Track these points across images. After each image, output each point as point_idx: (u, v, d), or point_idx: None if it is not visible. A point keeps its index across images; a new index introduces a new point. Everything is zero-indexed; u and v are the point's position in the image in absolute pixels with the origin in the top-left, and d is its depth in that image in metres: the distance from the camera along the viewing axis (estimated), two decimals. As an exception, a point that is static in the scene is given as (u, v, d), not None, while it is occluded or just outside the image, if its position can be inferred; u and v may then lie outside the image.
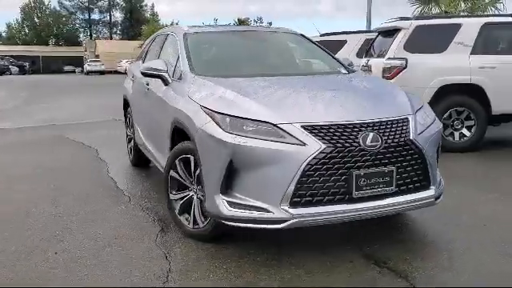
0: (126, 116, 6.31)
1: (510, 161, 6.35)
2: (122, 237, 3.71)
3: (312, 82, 3.89)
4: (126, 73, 9.01)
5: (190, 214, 3.65)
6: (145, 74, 4.24)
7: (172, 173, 3.73)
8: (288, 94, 3.48)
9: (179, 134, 3.76)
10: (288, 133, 2.96)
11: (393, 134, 3.12)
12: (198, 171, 3.46)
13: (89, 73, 51.03)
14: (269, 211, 2.95)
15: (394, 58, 6.57)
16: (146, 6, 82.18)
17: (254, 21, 59.79)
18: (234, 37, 4.89)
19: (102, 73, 50.54)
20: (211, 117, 3.20)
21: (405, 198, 3.16)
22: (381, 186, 3.06)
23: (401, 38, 6.65)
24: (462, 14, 13.59)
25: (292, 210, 2.92)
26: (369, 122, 3.10)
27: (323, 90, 3.59)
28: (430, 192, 3.27)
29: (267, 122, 3.02)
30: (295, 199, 2.93)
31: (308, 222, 2.97)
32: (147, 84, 4.81)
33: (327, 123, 3.02)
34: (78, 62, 65.11)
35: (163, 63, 4.14)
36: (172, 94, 3.97)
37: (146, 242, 3.60)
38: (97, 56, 60.69)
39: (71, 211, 4.33)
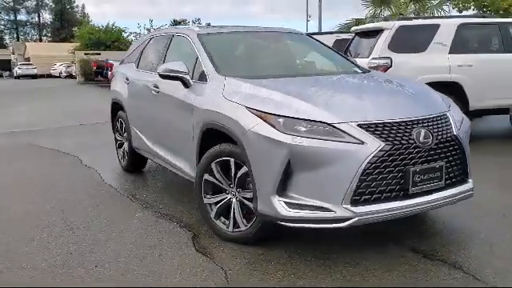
0: (115, 121, 6.07)
1: (491, 153, 6.71)
2: (156, 245, 3.56)
3: (345, 82, 3.93)
4: (61, 76, 8.68)
5: (227, 218, 3.59)
6: (163, 76, 4.11)
7: (207, 176, 3.65)
8: (332, 94, 3.51)
9: (211, 136, 3.69)
10: (345, 132, 2.98)
11: (440, 130, 3.23)
12: (239, 173, 3.42)
13: (19, 77, 48.08)
14: (331, 210, 2.96)
15: (380, 58, 6.78)
16: (76, 7, 79.41)
17: (193, 22, 59.23)
18: (247, 37, 4.83)
19: (34, 77, 47.84)
20: (262, 118, 3.15)
21: (450, 191, 3.27)
22: (433, 181, 3.15)
23: (385, 38, 6.88)
24: (411, 15, 14.22)
25: (354, 209, 2.94)
26: (419, 119, 3.18)
27: (361, 90, 3.65)
28: (470, 185, 3.41)
29: (323, 122, 3.03)
30: (355, 197, 2.96)
31: (368, 219, 3.00)
32: (155, 86, 4.66)
33: (383, 121, 3.07)
34: (4, 65, 61.27)
35: (184, 65, 4.03)
36: (198, 96, 3.87)
37: (184, 249, 3.49)
38: (27, 59, 57.57)
39: (88, 222, 4.11)
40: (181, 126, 4.15)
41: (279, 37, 5.03)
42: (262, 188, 3.13)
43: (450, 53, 6.92)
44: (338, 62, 4.66)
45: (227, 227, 3.57)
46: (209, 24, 56.84)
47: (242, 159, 3.37)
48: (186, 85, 4.06)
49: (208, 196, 3.69)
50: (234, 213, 3.52)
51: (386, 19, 10.23)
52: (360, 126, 3.02)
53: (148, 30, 46.32)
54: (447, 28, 7.01)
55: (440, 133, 3.21)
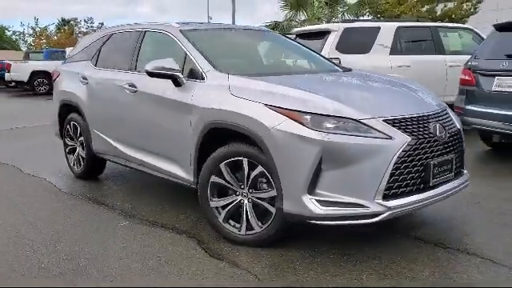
0: (65, 124, 5.57)
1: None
2: (164, 256, 3.32)
3: (347, 80, 3.95)
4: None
5: (237, 221, 3.47)
6: (152, 74, 3.85)
7: (214, 178, 3.49)
8: (346, 91, 3.53)
9: (214, 136, 3.54)
10: (373, 128, 3.02)
11: (448, 124, 3.41)
12: (253, 173, 3.32)
13: None
14: (364, 206, 2.97)
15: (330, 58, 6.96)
16: None
17: (85, 21, 56.33)
18: (230, 34, 4.70)
19: None
20: (287, 115, 3.09)
21: (456, 182, 3.46)
22: (446, 173, 3.31)
23: (332, 40, 7.09)
24: (323, 19, 14.86)
25: (386, 203, 2.99)
26: (432, 114, 3.33)
27: (368, 87, 3.71)
28: (466, 176, 3.64)
29: (351, 118, 3.04)
30: (385, 192, 3.01)
31: (397, 213, 3.07)
32: (131, 85, 4.36)
33: (405, 116, 3.16)
34: None
35: (175, 62, 3.82)
36: (197, 95, 3.68)
37: (198, 257, 3.30)
38: None
39: (71, 239, 3.72)
40: (171, 127, 3.92)
41: (259, 35, 4.96)
42: (290, 187, 3.07)
43: (390, 54, 7.33)
44: (319, 60, 4.70)
45: (239, 230, 3.45)
46: (102, 24, 54.62)
47: (257, 159, 3.28)
48: (177, 83, 3.84)
49: (215, 199, 3.53)
50: (246, 215, 3.40)
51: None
52: (386, 121, 3.08)
53: (33, 28, 43.17)
54: (387, 30, 7.42)
55: (449, 127, 3.39)
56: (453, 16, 21.75)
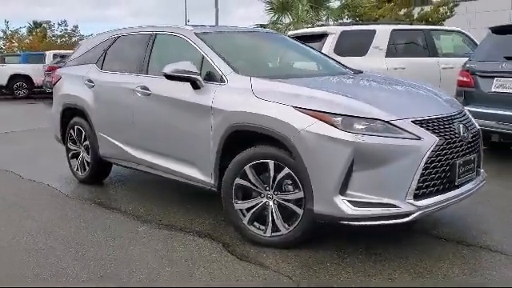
0: (68, 128, 5.48)
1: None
2: (192, 260, 3.28)
3: (367, 82, 3.98)
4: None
5: (261, 223, 3.47)
6: (171, 77, 3.83)
7: (239, 180, 3.49)
8: (371, 93, 3.58)
9: (236, 139, 3.54)
10: (403, 129, 3.07)
11: (469, 124, 3.49)
12: (280, 175, 3.33)
13: None
14: (396, 206, 3.02)
15: (328, 61, 7.02)
16: None
17: (58, 24, 55.40)
18: (243, 37, 4.70)
19: None
20: (317, 117, 3.11)
21: (477, 181, 3.54)
22: (469, 172, 3.39)
23: (331, 42, 7.16)
24: (309, 23, 14.98)
25: (417, 203, 3.04)
26: (455, 115, 3.41)
27: (390, 88, 3.75)
28: (484, 175, 3.72)
29: (380, 120, 3.08)
30: (415, 192, 3.06)
31: (426, 212, 3.12)
32: (144, 88, 4.32)
33: (432, 117, 3.22)
34: None
35: (193, 65, 3.81)
36: (218, 98, 3.67)
37: (225, 261, 3.27)
38: None
39: (92, 246, 3.66)
40: (189, 129, 3.90)
41: (269, 37, 4.98)
42: (321, 188, 3.09)
43: (386, 56, 7.44)
44: (331, 63, 4.73)
45: (264, 232, 3.45)
46: (76, 26, 53.80)
47: (283, 161, 3.29)
48: (196, 86, 3.82)
49: (239, 201, 3.53)
50: (272, 217, 3.41)
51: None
52: (414, 122, 3.13)
53: (4, 31, 42.22)
54: (382, 33, 7.53)
55: (470, 127, 3.47)
56: (429, 19, 22.19)
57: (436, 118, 3.24)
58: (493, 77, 5.80)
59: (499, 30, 6.19)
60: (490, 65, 5.88)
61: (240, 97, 3.56)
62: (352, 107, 3.14)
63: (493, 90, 5.79)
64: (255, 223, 3.50)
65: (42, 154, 7.16)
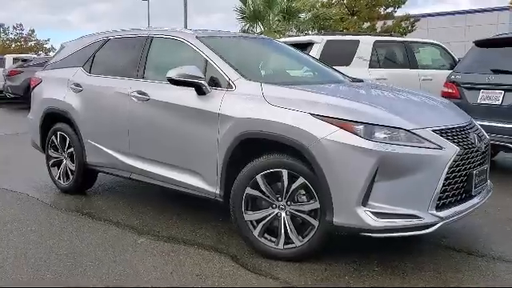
0: (49, 135, 5.17)
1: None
2: (202, 274, 3.11)
3: (379, 90, 3.90)
4: None
5: (273, 235, 3.33)
6: (177, 82, 3.66)
7: (249, 190, 3.35)
8: (387, 101, 3.51)
9: (246, 147, 3.41)
10: (424, 138, 3.02)
11: (481, 134, 3.49)
12: (294, 185, 3.21)
13: None
14: (419, 217, 2.95)
15: (314, 70, 6.99)
16: None
17: (14, 27, 53.50)
18: (243, 42, 4.57)
19: None
20: (338, 125, 3.01)
21: (487, 190, 3.54)
22: (483, 182, 3.38)
23: (316, 52, 7.14)
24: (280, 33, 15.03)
25: (439, 213, 2.99)
26: (468, 125, 3.40)
27: (402, 98, 3.70)
28: (491, 185, 3.73)
29: (402, 129, 3.02)
30: (437, 202, 3.01)
31: (447, 222, 3.07)
32: (141, 93, 4.12)
33: (450, 126, 3.19)
34: None
35: (199, 70, 3.65)
36: (226, 104, 3.53)
37: (239, 274, 3.12)
38: None
39: (99, 261, 3.42)
40: (193, 137, 3.73)
41: (269, 43, 4.86)
42: (343, 199, 2.99)
43: (369, 67, 7.48)
44: (329, 70, 4.65)
45: (276, 244, 3.31)
46: (33, 31, 52.06)
47: (298, 170, 3.18)
48: (201, 91, 3.66)
49: (250, 212, 3.38)
50: (285, 228, 3.28)
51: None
52: (434, 131, 3.09)
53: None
54: (365, 44, 7.58)
55: (482, 137, 3.47)
56: (392, 33, 22.70)
57: (453, 128, 3.21)
58: (479, 89, 5.90)
59: (482, 44, 6.33)
60: (476, 77, 5.99)
61: (250, 103, 3.43)
62: (374, 115, 3.06)
63: (479, 101, 5.89)
64: (266, 235, 3.36)
65: (14, 162, 6.77)
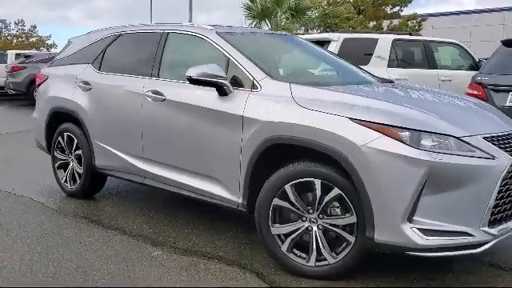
0: (55, 135, 4.88)
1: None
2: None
3: (419, 93, 3.54)
4: None
5: (302, 250, 3.04)
6: (197, 82, 3.36)
7: (277, 201, 3.05)
8: (430, 105, 3.21)
9: (272, 153, 3.11)
10: (475, 146, 2.72)
11: None
12: (328, 197, 2.91)
13: None
14: (470, 235, 2.66)
15: (331, 69, 6.69)
16: None
17: (15, 23, 53.20)
18: (265, 39, 4.26)
19: None
20: (381, 131, 2.71)
21: None
22: (533, 194, 3.07)
23: (333, 49, 6.83)
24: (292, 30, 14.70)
25: (491, 230, 2.70)
26: None
27: (446, 102, 3.38)
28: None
29: (451, 136, 2.72)
30: (489, 217, 2.71)
31: (500, 240, 2.78)
32: (156, 93, 3.82)
33: (500, 134, 2.89)
34: None
35: (221, 68, 3.35)
36: (251, 106, 3.23)
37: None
38: None
39: (114, 275, 3.11)
40: (213, 141, 3.43)
41: (291, 40, 4.54)
42: (386, 214, 2.69)
43: (388, 66, 7.17)
44: (360, 71, 4.32)
45: (307, 261, 3.01)
46: (34, 27, 51.78)
47: (333, 180, 2.88)
48: (223, 92, 3.37)
49: (277, 225, 3.08)
50: (317, 243, 2.98)
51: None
52: (485, 138, 2.78)
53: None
54: (384, 42, 7.27)
55: None
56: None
57: (504, 135, 2.90)
58: (508, 91, 5.60)
59: (510, 43, 6.03)
60: (505, 78, 5.69)
61: (279, 106, 3.13)
62: (420, 120, 2.76)
63: (508, 103, 5.59)
64: (295, 250, 3.06)
65: (16, 162, 6.48)
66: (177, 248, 3.51)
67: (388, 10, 28.19)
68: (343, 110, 2.87)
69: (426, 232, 2.64)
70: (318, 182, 2.93)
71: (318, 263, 2.99)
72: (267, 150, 3.13)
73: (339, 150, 2.79)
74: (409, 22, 27.23)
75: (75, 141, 4.65)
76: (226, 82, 3.34)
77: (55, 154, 4.92)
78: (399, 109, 2.87)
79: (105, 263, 3.23)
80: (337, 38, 7.00)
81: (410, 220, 2.65)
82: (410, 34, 8.26)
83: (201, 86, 3.43)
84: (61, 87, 4.81)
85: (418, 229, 2.64)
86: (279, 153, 3.14)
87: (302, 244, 3.05)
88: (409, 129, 2.70)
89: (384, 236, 2.70)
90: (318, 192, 2.94)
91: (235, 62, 3.47)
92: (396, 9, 28.01)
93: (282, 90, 3.19)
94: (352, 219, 2.86)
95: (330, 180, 2.89)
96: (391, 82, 4.17)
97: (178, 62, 4.01)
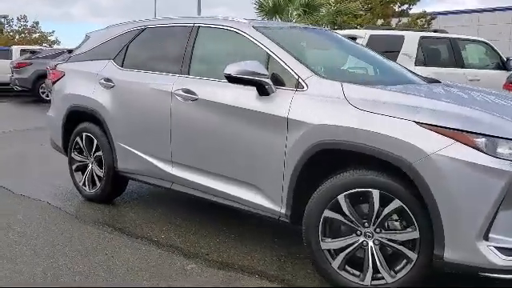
0: (73, 136, 4.59)
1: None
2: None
3: (482, 94, 3.24)
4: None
5: (354, 267, 2.75)
6: (237, 80, 3.07)
7: (328, 213, 2.76)
8: (499, 107, 2.91)
9: (321, 160, 2.83)
10: None
11: None
12: (387, 209, 2.62)
13: None
14: (551, 254, 2.36)
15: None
16: None
17: (18, 19, 52.89)
18: (304, 34, 3.96)
19: None
20: (453, 137, 2.42)
21: None
22: None
23: (359, 47, 6.52)
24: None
25: None
26: None
27: (509, 103, 3.09)
28: None
29: (529, 143, 2.42)
30: None
31: None
32: (188, 92, 3.53)
33: None
34: None
35: (262, 66, 3.06)
36: (296, 107, 2.94)
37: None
38: None
39: None
40: (252, 145, 3.15)
41: (330, 36, 4.23)
42: (459, 230, 2.40)
43: (415, 65, 6.87)
44: (404, 70, 4.01)
45: (361, 280, 2.72)
46: (37, 23, 51.45)
47: (393, 191, 2.59)
48: (264, 91, 3.07)
49: (328, 240, 2.80)
50: (374, 260, 2.69)
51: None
52: None
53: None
54: (411, 40, 6.97)
55: None
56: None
57: None
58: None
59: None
60: (546, 78, 5.39)
61: (329, 107, 2.84)
62: (494, 125, 2.46)
63: (549, 105, 5.28)
64: (347, 267, 2.78)
65: (26, 162, 6.19)
66: (211, 261, 3.23)
67: (396, 8, 27.88)
68: (408, 113, 2.57)
69: (504, 251, 2.35)
70: (376, 193, 2.64)
71: (374, 282, 2.70)
72: (315, 155, 2.84)
73: (404, 158, 2.50)
74: (418, 21, 26.93)
75: (95, 142, 4.36)
76: (268, 81, 3.05)
77: (72, 155, 4.64)
78: (469, 111, 2.57)
79: (136, 277, 2.95)
80: (363, 35, 6.71)
81: (486, 237, 2.36)
82: (436, 31, 7.95)
83: (238, 85, 3.14)
84: (80, 84, 4.52)
85: (495, 247, 2.35)
86: (328, 159, 2.85)
87: (354, 260, 2.76)
88: (484, 135, 2.40)
89: (455, 254, 2.41)
90: (376, 204, 2.65)
91: (276, 59, 3.18)
92: (404, 7, 27.70)
93: (331, 89, 2.89)
94: (414, 234, 2.57)
95: (389, 191, 2.60)
96: (437, 81, 3.86)
97: (210, 59, 3.73)
